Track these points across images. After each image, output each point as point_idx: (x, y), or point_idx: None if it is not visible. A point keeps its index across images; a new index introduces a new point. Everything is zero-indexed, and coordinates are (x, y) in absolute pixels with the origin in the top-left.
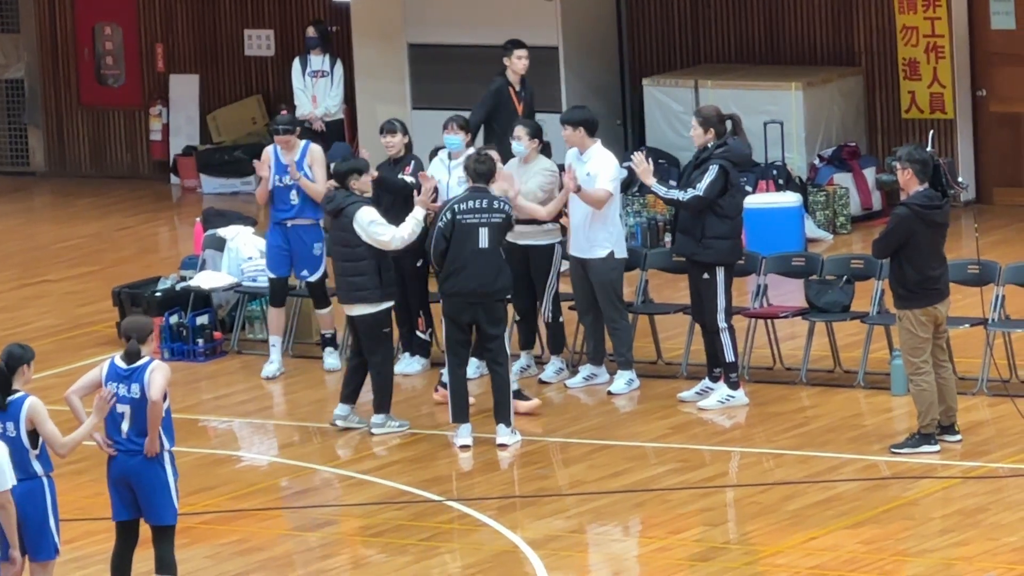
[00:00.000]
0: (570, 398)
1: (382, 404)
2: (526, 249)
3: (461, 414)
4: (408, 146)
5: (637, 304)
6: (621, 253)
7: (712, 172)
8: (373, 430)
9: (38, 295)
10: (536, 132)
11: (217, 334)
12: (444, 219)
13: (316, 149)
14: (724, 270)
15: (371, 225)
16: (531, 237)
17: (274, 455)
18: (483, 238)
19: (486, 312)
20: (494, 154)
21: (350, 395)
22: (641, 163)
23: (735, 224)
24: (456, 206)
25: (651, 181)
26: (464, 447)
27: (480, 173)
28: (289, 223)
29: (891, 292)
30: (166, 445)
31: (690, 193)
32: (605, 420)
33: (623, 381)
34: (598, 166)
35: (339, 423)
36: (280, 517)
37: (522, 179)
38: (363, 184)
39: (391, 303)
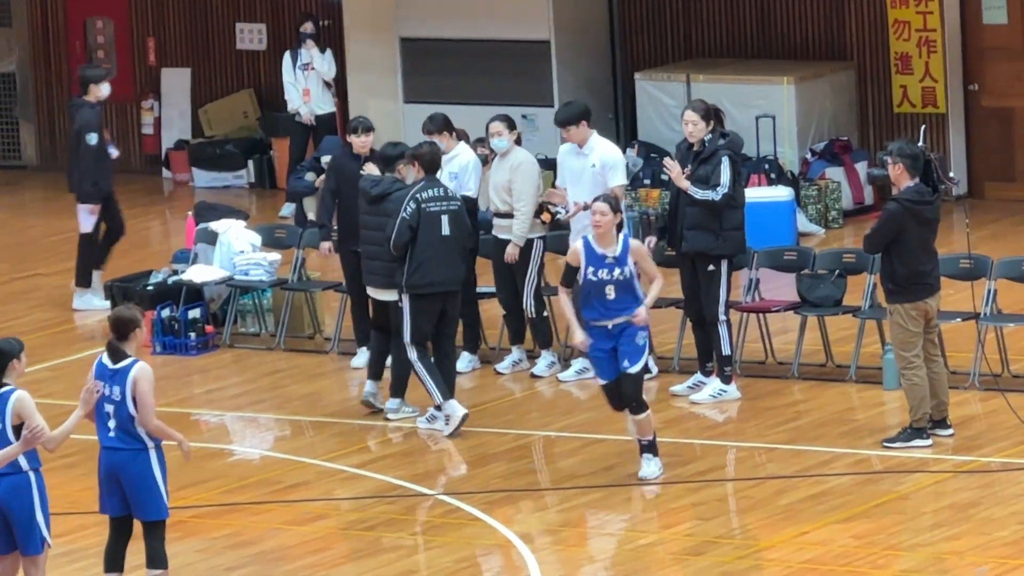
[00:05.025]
0: (562, 392)
1: (399, 388)
2: (507, 243)
3: (447, 391)
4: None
5: None
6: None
7: (726, 165)
8: (388, 415)
9: (29, 289)
10: (514, 125)
11: (209, 328)
12: (409, 209)
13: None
14: (728, 262)
15: None
16: (511, 231)
17: (266, 449)
18: (445, 226)
19: (452, 300)
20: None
21: (378, 373)
22: (675, 167)
23: (744, 213)
24: (419, 195)
25: (685, 185)
26: (465, 417)
27: (434, 163)
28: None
29: (882, 287)
30: (148, 444)
31: (720, 193)
32: (597, 414)
33: None
34: (603, 156)
35: (370, 399)
36: (272, 511)
37: (498, 173)
38: (406, 172)
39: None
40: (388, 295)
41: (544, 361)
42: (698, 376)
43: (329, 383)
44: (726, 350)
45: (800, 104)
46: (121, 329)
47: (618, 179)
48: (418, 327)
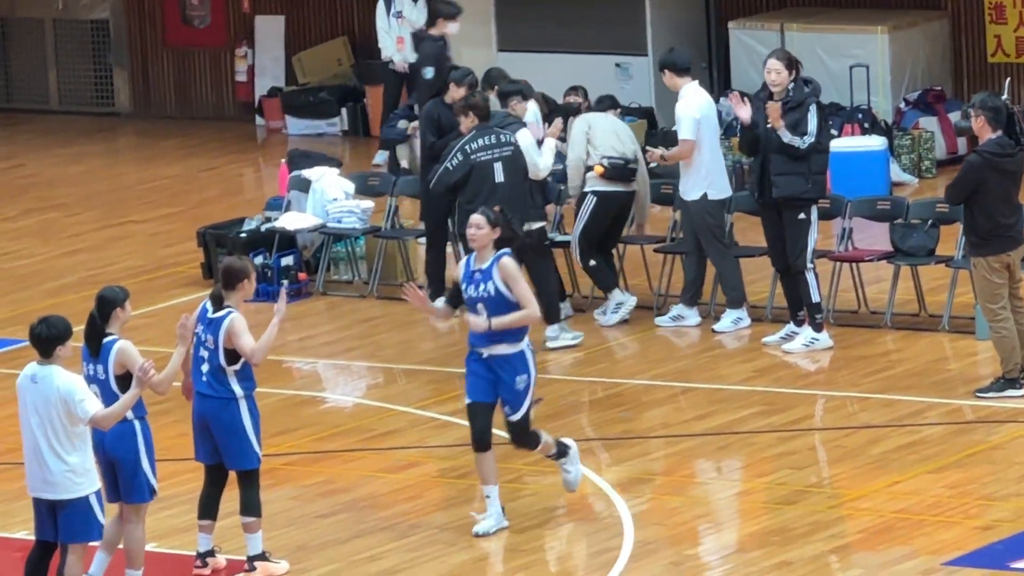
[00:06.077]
0: (655, 340)
1: (552, 315)
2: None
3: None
4: None
5: None
6: (717, 194)
7: (813, 113)
8: (548, 343)
9: (122, 236)
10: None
11: (302, 275)
12: (455, 160)
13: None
14: (816, 208)
15: (531, 148)
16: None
17: (358, 397)
18: (498, 172)
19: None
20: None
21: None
22: (775, 109)
23: (828, 158)
24: (468, 146)
25: (779, 124)
26: None
27: (488, 112)
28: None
29: (966, 239)
30: (238, 393)
31: (807, 141)
32: (689, 363)
33: (729, 320)
34: (677, 110)
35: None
36: (364, 458)
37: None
38: (522, 109)
39: (544, 222)
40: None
41: (611, 303)
42: (790, 326)
43: (422, 331)
44: (815, 297)
45: (894, 53)
46: (229, 279)
47: (682, 133)
48: None
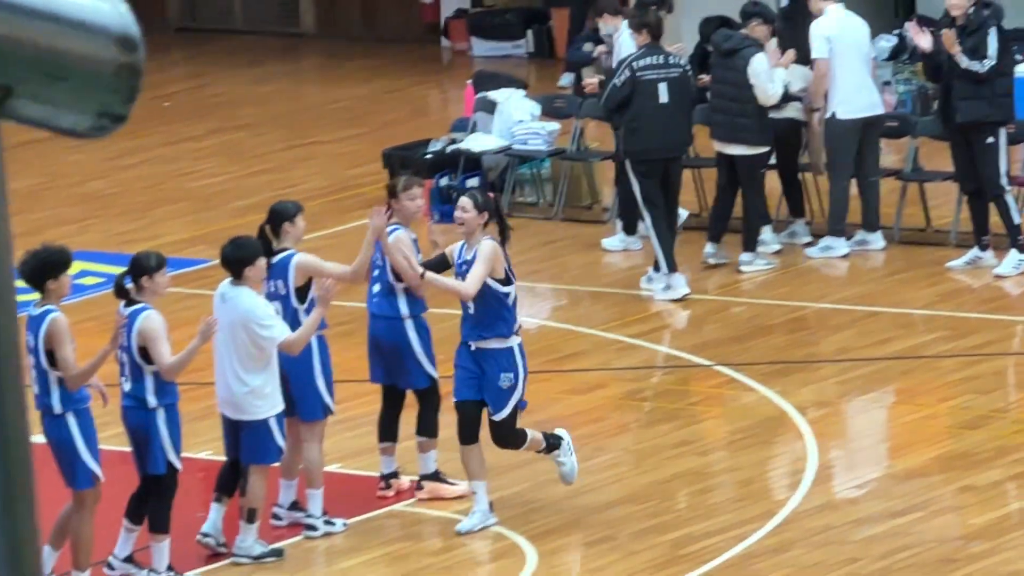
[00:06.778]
0: (839, 264)
1: (751, 242)
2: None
3: (673, 263)
4: None
5: (907, 171)
6: (845, 113)
7: (993, 36)
8: (741, 267)
9: (307, 156)
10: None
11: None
12: (623, 76)
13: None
14: (1004, 132)
15: (764, 73)
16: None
17: (543, 318)
18: (663, 93)
19: (674, 166)
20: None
21: (718, 235)
22: (948, 37)
23: (1012, 81)
24: (634, 63)
25: (956, 50)
26: (685, 296)
27: (660, 30)
28: None
29: None
30: (404, 313)
31: (987, 65)
32: (873, 287)
33: (818, 246)
34: (811, 32)
35: (710, 260)
36: (548, 381)
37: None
38: (761, 32)
39: (768, 147)
40: (733, 148)
41: (771, 236)
42: (975, 251)
43: (606, 253)
44: (1017, 219)
45: None
46: (390, 192)
47: (813, 52)
48: (644, 191)
